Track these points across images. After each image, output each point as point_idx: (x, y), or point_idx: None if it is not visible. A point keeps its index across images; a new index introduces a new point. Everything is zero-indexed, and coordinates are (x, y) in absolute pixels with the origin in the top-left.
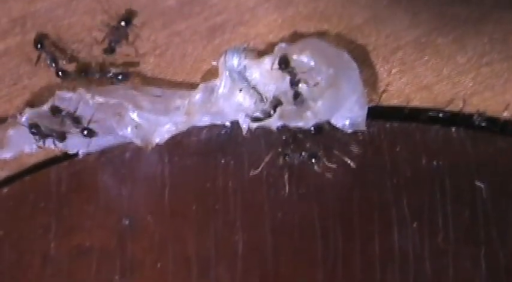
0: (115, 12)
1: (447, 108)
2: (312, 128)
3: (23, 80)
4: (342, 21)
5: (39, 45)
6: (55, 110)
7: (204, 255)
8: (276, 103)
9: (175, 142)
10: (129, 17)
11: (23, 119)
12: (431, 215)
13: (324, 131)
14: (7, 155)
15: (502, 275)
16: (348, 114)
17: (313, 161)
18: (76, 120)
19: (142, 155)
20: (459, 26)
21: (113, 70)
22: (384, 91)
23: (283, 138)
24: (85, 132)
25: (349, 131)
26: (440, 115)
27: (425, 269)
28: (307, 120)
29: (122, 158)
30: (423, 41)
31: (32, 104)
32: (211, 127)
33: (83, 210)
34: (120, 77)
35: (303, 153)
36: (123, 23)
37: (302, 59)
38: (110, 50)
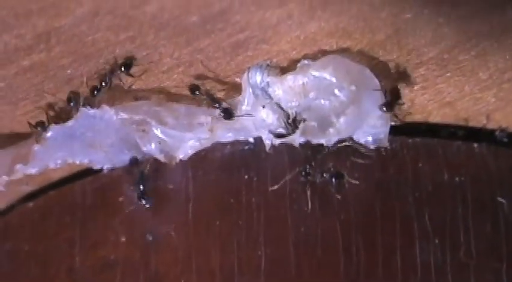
0: (137, 30)
1: (469, 124)
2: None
3: (48, 95)
4: (364, 38)
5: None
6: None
7: (228, 270)
8: (298, 119)
9: (199, 157)
10: (129, 63)
11: (48, 135)
12: (453, 230)
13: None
14: (32, 170)
15: None
16: (370, 130)
17: (334, 181)
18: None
19: (166, 170)
20: (481, 42)
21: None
22: (408, 113)
23: (305, 155)
24: None
25: (372, 147)
26: (463, 131)
27: None
28: (329, 137)
29: (147, 173)
30: (445, 57)
31: (56, 119)
32: (235, 143)
33: (107, 225)
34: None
35: (325, 174)
36: (122, 69)
37: (324, 75)
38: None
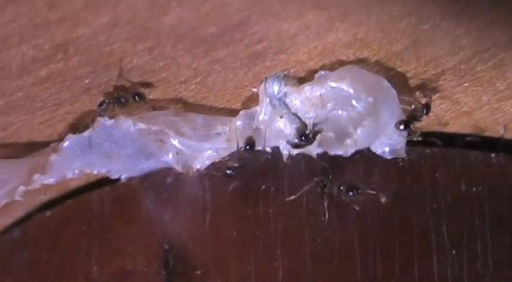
0: (155, 40)
1: (487, 134)
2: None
3: (65, 105)
4: (382, 48)
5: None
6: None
7: (245, 281)
8: (316, 130)
9: (216, 168)
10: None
11: (65, 144)
12: (470, 241)
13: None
14: (50, 180)
15: None
16: (387, 141)
17: (351, 194)
18: None
19: (184, 180)
20: (499, 52)
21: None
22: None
23: (323, 166)
24: None
25: (389, 157)
26: (480, 141)
27: None
28: (346, 148)
29: (164, 183)
30: (463, 68)
31: (73, 129)
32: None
33: (124, 234)
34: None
35: (341, 187)
36: (136, 98)
37: (342, 86)
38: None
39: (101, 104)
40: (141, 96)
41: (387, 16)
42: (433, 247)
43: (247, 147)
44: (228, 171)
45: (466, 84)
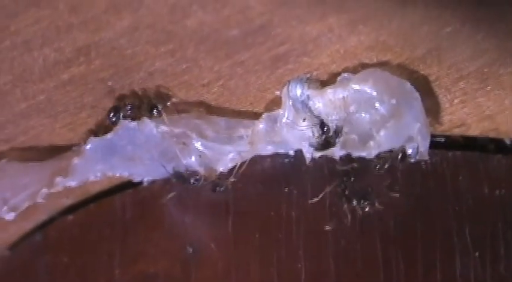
0: (177, 43)
1: (510, 138)
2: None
3: (86, 108)
4: (405, 52)
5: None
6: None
7: None
8: (339, 133)
9: (239, 170)
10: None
11: (87, 147)
12: (493, 244)
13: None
14: (72, 183)
15: None
16: (410, 143)
17: (372, 197)
18: None
19: (205, 183)
20: None
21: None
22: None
23: (345, 168)
24: None
25: (412, 160)
26: (503, 144)
27: None
28: (369, 151)
29: (186, 186)
30: (485, 71)
31: (95, 132)
32: (275, 156)
33: (147, 238)
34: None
35: (361, 193)
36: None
37: (365, 89)
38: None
39: (115, 111)
40: (158, 110)
41: (408, 22)
42: (455, 250)
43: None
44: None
45: (488, 88)
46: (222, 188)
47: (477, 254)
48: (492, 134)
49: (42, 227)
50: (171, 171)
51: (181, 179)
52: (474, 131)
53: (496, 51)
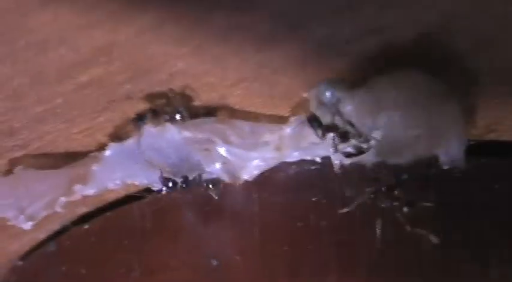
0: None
1: None
2: None
3: (105, 113)
4: (438, 50)
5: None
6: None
7: None
8: (370, 138)
9: (264, 178)
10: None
11: (107, 153)
12: None
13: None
14: (90, 191)
15: None
16: (445, 150)
17: (406, 210)
18: None
19: (230, 191)
20: None
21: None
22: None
23: (377, 176)
24: None
25: (447, 167)
26: None
27: None
28: (403, 158)
29: (208, 194)
30: None
31: (115, 138)
32: (301, 163)
33: (167, 249)
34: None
35: (394, 203)
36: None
37: (398, 91)
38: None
39: (139, 118)
40: (181, 114)
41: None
42: (493, 262)
43: None
44: None
45: None
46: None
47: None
48: None
49: (55, 237)
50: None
51: (169, 185)
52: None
53: None
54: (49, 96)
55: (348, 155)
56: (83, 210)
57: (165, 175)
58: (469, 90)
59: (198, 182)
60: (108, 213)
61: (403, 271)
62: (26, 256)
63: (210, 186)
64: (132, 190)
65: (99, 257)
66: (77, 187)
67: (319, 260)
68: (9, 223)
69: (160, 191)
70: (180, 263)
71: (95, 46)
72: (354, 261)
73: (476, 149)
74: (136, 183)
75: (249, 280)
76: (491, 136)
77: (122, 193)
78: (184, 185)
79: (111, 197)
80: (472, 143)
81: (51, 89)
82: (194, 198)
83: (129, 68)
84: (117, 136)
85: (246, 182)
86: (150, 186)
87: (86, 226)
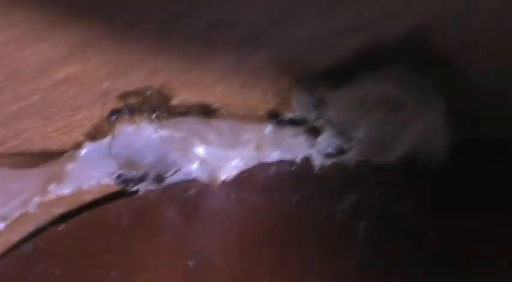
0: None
1: None
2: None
3: (82, 110)
4: (429, 48)
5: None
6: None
7: None
8: (352, 137)
9: (244, 178)
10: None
11: (83, 152)
12: None
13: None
14: (66, 191)
15: None
16: (429, 148)
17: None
18: None
19: (209, 192)
20: None
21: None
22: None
23: (359, 176)
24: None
25: (431, 165)
26: None
27: None
28: (387, 156)
29: (186, 195)
30: None
31: (91, 136)
32: (281, 163)
33: (145, 249)
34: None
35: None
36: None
37: (384, 89)
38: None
39: (116, 117)
40: (159, 115)
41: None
42: (481, 259)
43: None
44: None
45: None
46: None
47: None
48: None
49: (31, 238)
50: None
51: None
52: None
53: None
54: (25, 94)
55: (329, 155)
56: (59, 210)
57: (122, 171)
58: (453, 88)
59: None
60: (85, 214)
61: (391, 270)
62: (1, 258)
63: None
64: (108, 190)
65: (76, 257)
66: (52, 186)
67: (299, 261)
68: None
69: (137, 191)
70: (158, 263)
71: (72, 43)
72: (335, 262)
73: (462, 148)
74: (113, 183)
75: (228, 281)
76: (476, 135)
77: (99, 193)
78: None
79: (88, 198)
80: (457, 141)
81: (27, 86)
82: (172, 198)
83: (106, 66)
84: (94, 135)
85: (225, 182)
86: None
87: (63, 227)
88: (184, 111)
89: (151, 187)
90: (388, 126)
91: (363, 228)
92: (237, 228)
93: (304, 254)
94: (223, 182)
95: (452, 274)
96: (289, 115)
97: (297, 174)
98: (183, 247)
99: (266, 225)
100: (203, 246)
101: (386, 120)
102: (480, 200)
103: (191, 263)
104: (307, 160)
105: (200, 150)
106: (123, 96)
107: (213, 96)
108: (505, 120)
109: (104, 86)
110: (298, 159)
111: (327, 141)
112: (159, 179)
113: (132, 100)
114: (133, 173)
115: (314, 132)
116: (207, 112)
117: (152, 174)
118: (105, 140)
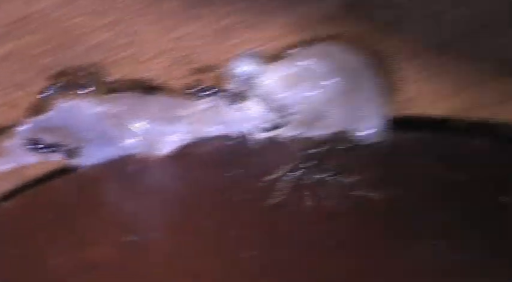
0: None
1: (471, 118)
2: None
3: (22, 87)
4: (358, 26)
5: None
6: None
7: (215, 272)
8: (286, 112)
9: (181, 153)
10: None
11: (21, 129)
12: (453, 230)
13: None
14: (5, 166)
15: None
16: (364, 123)
17: (327, 178)
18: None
19: (148, 167)
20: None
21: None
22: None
23: (294, 150)
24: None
25: (367, 141)
26: (464, 125)
27: None
28: (320, 131)
29: (126, 170)
30: (446, 48)
31: (30, 113)
32: (219, 138)
33: (86, 225)
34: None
35: (315, 172)
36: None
37: (315, 65)
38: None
39: (51, 89)
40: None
41: None
42: (414, 236)
43: None
44: None
45: (449, 65)
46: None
47: (436, 240)
48: (454, 113)
49: None
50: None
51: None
52: (435, 110)
53: (457, 25)
54: None
55: (265, 129)
56: (2, 187)
57: (60, 146)
58: (391, 65)
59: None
60: (29, 191)
61: (324, 248)
62: None
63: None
64: (51, 167)
65: (18, 234)
66: None
67: (238, 235)
68: None
69: (78, 168)
70: (99, 239)
71: (11, 19)
72: (272, 236)
73: (398, 124)
74: (52, 159)
75: (170, 255)
76: (415, 110)
77: (40, 170)
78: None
79: (30, 174)
80: (393, 117)
81: None
82: (112, 174)
83: (46, 42)
84: (33, 111)
85: (163, 157)
86: (66, 162)
87: (7, 204)
88: (123, 87)
89: (91, 162)
90: (321, 101)
91: (301, 201)
92: (175, 203)
93: (242, 228)
94: (162, 157)
95: (397, 246)
96: (217, 88)
97: (234, 149)
98: (124, 222)
99: (204, 200)
100: (144, 221)
101: (320, 95)
102: (416, 172)
103: (133, 239)
104: (243, 135)
105: (138, 125)
106: (62, 72)
107: (152, 71)
108: None
109: (43, 62)
110: (234, 135)
111: (261, 116)
112: (98, 154)
113: (71, 76)
114: (71, 147)
115: (236, 98)
116: (145, 88)
117: (90, 149)
118: (44, 116)
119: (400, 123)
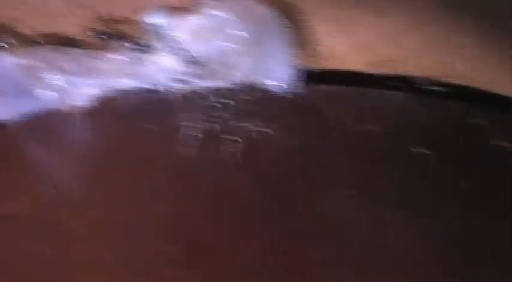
0: None
1: (388, 71)
2: None
3: None
4: None
5: None
6: None
7: (128, 223)
8: (201, 64)
9: (96, 106)
10: None
11: None
12: (369, 182)
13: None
14: None
15: (450, 244)
16: (276, 75)
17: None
18: None
19: (64, 120)
20: None
21: None
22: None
23: (209, 101)
24: None
25: (279, 93)
26: (382, 78)
27: (361, 238)
28: (233, 81)
29: (43, 123)
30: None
31: None
32: (136, 90)
33: (6, 179)
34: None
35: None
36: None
37: (227, 16)
38: None
39: None
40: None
41: None
42: (326, 187)
43: None
44: None
45: (365, 16)
46: None
47: (351, 191)
48: (370, 66)
49: None
50: None
51: None
52: (351, 63)
53: None
54: None
55: (179, 81)
56: None
57: None
58: (301, 16)
59: None
60: None
61: (234, 197)
62: None
63: None
64: None
65: None
66: None
67: (151, 185)
68: None
69: None
70: (19, 192)
71: None
72: (186, 187)
73: (311, 76)
74: None
75: (87, 206)
76: (332, 64)
77: None
78: None
79: None
80: (306, 70)
81: None
82: (30, 128)
83: None
84: None
85: (80, 109)
86: None
87: None
88: (38, 41)
89: (6, 116)
90: (232, 52)
91: (215, 152)
92: (95, 155)
93: (156, 177)
94: (78, 109)
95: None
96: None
97: (147, 101)
98: (42, 176)
99: (121, 151)
100: (62, 173)
101: (230, 47)
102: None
103: (50, 191)
104: (156, 87)
105: (54, 78)
106: None
107: (69, 26)
108: None
109: None
110: (148, 87)
111: (173, 68)
112: (13, 107)
113: None
114: None
115: (148, 50)
116: (60, 42)
117: (6, 101)
118: None
119: (313, 76)
